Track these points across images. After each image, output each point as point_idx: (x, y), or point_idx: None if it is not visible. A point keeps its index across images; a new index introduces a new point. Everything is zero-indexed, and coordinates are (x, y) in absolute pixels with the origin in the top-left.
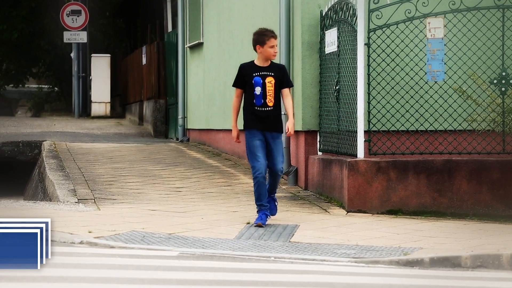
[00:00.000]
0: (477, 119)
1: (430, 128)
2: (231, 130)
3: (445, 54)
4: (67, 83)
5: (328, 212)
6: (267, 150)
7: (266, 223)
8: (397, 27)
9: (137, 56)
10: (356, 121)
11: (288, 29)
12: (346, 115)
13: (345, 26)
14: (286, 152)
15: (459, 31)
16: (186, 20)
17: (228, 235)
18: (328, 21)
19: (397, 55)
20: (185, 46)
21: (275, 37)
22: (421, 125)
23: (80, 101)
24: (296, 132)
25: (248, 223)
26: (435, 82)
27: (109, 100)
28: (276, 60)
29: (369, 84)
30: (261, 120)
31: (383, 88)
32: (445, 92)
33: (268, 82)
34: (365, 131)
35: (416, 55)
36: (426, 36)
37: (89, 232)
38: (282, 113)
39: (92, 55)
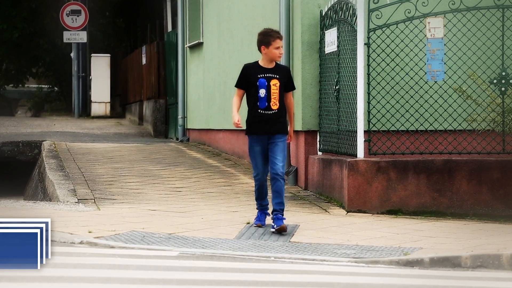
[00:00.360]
0: (477, 119)
1: (430, 128)
2: (231, 130)
3: (445, 54)
4: (67, 83)
5: (328, 212)
6: (269, 152)
7: (266, 223)
8: (397, 27)
9: (137, 56)
10: (356, 121)
11: (288, 29)
12: (346, 115)
13: (345, 26)
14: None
15: (459, 31)
16: (186, 20)
17: (228, 235)
18: (328, 21)
19: (397, 55)
20: (185, 46)
21: (280, 37)
22: (421, 125)
23: (80, 101)
24: (296, 132)
25: (248, 223)
26: (435, 82)
27: (109, 100)
28: None
29: (369, 84)
30: (265, 123)
31: (383, 88)
32: (445, 92)
33: (273, 84)
34: (365, 131)
35: (416, 55)
36: (426, 36)
37: (89, 232)
38: None
39: (92, 55)
